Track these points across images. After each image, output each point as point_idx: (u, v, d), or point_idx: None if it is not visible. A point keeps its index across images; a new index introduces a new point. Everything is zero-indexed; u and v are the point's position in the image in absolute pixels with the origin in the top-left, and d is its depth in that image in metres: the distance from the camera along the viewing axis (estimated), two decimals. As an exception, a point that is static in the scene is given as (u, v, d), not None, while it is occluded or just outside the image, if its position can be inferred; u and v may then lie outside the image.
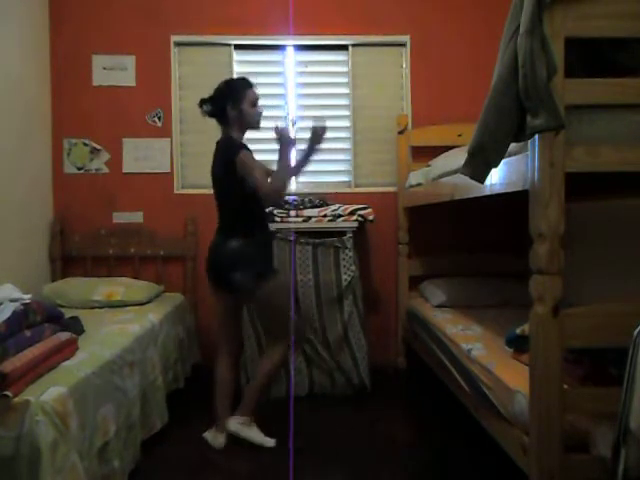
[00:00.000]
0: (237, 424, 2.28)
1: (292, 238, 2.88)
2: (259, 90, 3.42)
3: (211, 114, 2.30)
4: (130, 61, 3.33)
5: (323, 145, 2.37)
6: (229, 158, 2.16)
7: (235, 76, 3.40)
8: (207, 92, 3.36)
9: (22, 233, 2.97)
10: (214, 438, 2.31)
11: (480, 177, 1.54)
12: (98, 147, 3.34)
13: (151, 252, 3.30)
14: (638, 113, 1.42)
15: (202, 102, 2.31)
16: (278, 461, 2.14)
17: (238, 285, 2.19)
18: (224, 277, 2.22)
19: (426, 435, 2.42)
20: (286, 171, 2.21)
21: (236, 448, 2.28)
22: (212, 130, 3.38)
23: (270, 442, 2.26)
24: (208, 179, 3.37)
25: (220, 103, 2.26)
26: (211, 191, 3.32)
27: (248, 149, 2.22)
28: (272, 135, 2.24)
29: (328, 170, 3.45)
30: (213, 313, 3.29)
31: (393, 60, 3.47)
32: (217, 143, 2.31)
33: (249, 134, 2.36)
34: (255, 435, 2.28)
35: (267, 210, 2.48)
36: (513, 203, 2.13)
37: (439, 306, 2.95)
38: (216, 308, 2.42)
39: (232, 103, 2.24)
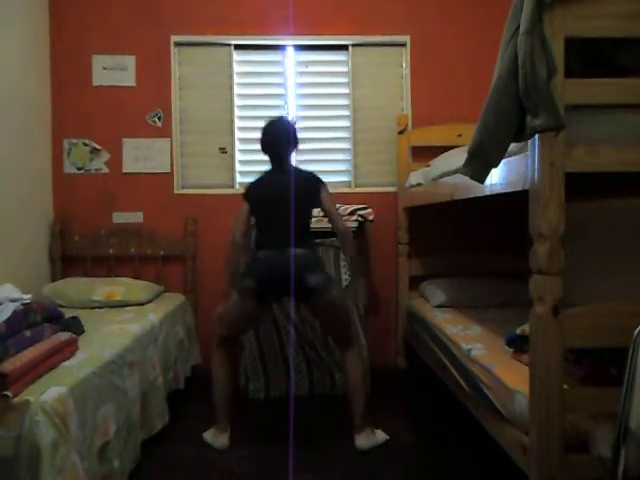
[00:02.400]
0: (366, 440, 2.26)
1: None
2: (259, 90, 3.46)
3: (274, 156, 2.41)
4: (130, 61, 3.33)
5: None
6: (316, 189, 2.35)
7: (235, 75, 3.42)
8: (207, 92, 3.40)
9: (22, 233, 2.97)
10: (215, 438, 2.31)
11: (480, 177, 1.54)
12: (98, 147, 3.34)
13: (151, 252, 3.30)
14: (638, 113, 1.42)
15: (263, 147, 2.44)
16: (278, 461, 2.14)
17: (318, 287, 2.22)
18: (301, 282, 2.21)
19: (426, 435, 2.42)
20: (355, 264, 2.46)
21: (236, 448, 2.28)
22: (212, 130, 3.41)
23: (382, 437, 2.32)
24: (208, 179, 3.43)
25: (295, 146, 2.45)
26: (211, 191, 3.38)
27: None
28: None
29: (328, 170, 3.45)
30: (213, 313, 3.33)
31: (393, 60, 3.47)
32: (289, 172, 2.38)
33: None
34: (381, 437, 2.31)
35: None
36: (513, 203, 2.13)
37: (439, 306, 2.95)
38: (238, 310, 2.33)
39: (296, 144, 2.45)
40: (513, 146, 1.50)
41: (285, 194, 2.28)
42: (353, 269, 2.50)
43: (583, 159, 1.40)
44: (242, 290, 2.28)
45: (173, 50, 3.37)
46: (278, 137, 2.39)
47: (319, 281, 2.22)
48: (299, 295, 2.27)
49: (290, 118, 2.48)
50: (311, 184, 2.37)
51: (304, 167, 2.51)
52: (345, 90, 3.47)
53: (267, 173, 2.43)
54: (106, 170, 3.35)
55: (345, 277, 2.88)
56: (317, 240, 2.86)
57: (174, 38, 3.35)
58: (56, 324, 1.89)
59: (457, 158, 2.13)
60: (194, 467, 2.14)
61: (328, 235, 2.92)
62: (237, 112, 3.44)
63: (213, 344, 2.41)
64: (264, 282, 2.25)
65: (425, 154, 3.22)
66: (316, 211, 2.99)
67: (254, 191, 2.41)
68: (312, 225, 2.92)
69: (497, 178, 1.68)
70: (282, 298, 2.51)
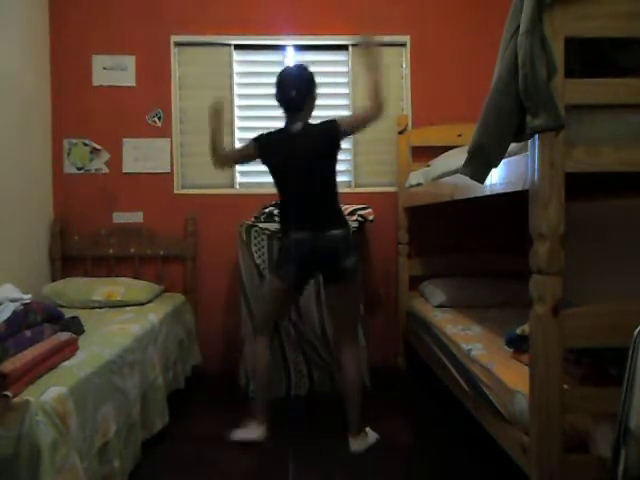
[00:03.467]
0: (362, 444, 2.26)
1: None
2: (259, 90, 3.45)
3: (300, 106, 2.26)
4: (130, 61, 3.33)
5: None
6: (332, 131, 2.18)
7: (235, 75, 3.42)
8: (207, 92, 3.40)
9: (22, 233, 2.97)
10: (254, 432, 2.29)
11: (480, 177, 1.54)
12: (98, 147, 3.34)
13: (151, 252, 3.30)
14: (638, 113, 1.42)
15: (294, 96, 2.25)
16: (278, 461, 2.14)
17: (349, 270, 2.20)
18: (335, 263, 2.19)
19: (426, 435, 2.41)
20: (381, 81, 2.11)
21: (236, 448, 2.28)
22: (212, 130, 3.41)
23: (373, 438, 2.31)
24: (208, 179, 3.43)
25: (312, 91, 2.29)
26: (211, 191, 3.38)
27: None
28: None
29: (328, 170, 3.44)
30: (214, 313, 3.34)
31: (393, 60, 3.47)
32: (303, 130, 2.24)
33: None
34: (373, 438, 2.31)
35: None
36: (513, 203, 2.13)
37: (439, 306, 2.95)
38: (272, 295, 2.35)
39: (314, 91, 2.31)
40: (513, 146, 1.50)
41: (306, 161, 2.18)
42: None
43: (583, 159, 1.40)
44: (280, 275, 2.29)
45: (173, 50, 3.37)
46: (290, 84, 2.24)
47: (352, 264, 2.20)
48: (331, 276, 2.25)
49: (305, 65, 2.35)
50: (327, 132, 2.20)
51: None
52: (345, 90, 3.47)
53: (282, 130, 2.29)
54: (106, 170, 3.35)
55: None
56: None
57: (174, 38, 3.35)
58: (56, 324, 1.89)
59: (457, 158, 2.13)
60: (194, 467, 2.14)
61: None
62: (237, 112, 3.44)
63: (251, 333, 2.46)
64: (301, 268, 2.25)
65: (425, 154, 3.22)
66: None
67: (268, 147, 2.28)
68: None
69: (497, 178, 1.68)
70: (315, 278, 2.57)
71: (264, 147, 2.30)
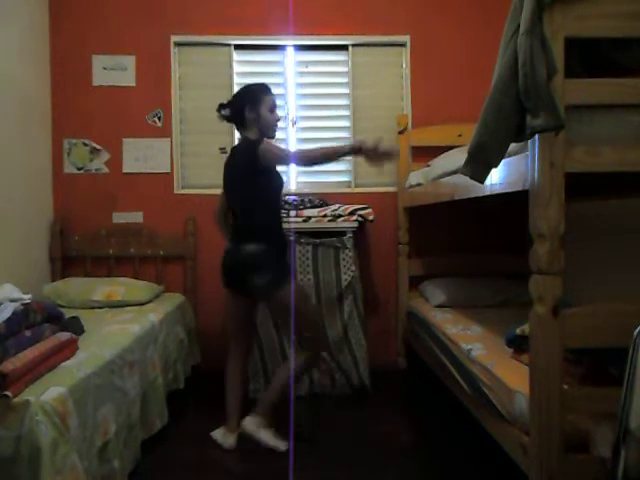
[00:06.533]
0: (253, 425, 2.27)
1: (292, 238, 2.88)
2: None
3: (229, 118, 2.34)
4: (130, 61, 3.33)
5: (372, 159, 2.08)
6: (252, 154, 2.16)
7: (235, 75, 3.42)
8: (207, 92, 3.40)
9: (22, 233, 2.97)
10: (224, 438, 2.31)
11: (480, 177, 1.54)
12: (98, 147, 3.34)
13: (151, 252, 3.30)
14: (638, 113, 1.42)
15: (220, 106, 2.34)
16: (278, 461, 2.14)
17: (255, 289, 2.20)
18: (241, 280, 2.22)
19: (426, 435, 2.41)
20: (328, 153, 2.17)
21: (237, 448, 2.28)
22: (212, 130, 3.41)
23: (282, 446, 2.23)
24: (208, 179, 3.43)
25: (239, 106, 2.29)
26: (211, 191, 3.37)
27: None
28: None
29: (328, 170, 3.44)
30: (214, 313, 3.34)
31: (393, 60, 3.47)
32: (233, 148, 2.38)
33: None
34: (268, 438, 2.26)
35: (282, 217, 2.49)
36: (513, 203, 2.13)
37: (439, 306, 2.95)
38: (229, 310, 2.42)
39: (250, 106, 2.27)
40: (513, 146, 1.50)
41: (230, 174, 2.30)
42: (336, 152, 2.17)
43: (583, 159, 1.40)
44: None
45: (173, 50, 3.37)
46: (233, 98, 2.35)
47: (260, 282, 2.17)
48: (250, 293, 2.27)
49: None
50: (247, 151, 2.21)
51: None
52: (345, 90, 3.47)
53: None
54: (106, 170, 3.35)
55: (345, 277, 2.88)
56: (317, 240, 2.87)
57: (174, 38, 3.35)
58: (56, 324, 1.89)
59: (457, 158, 2.13)
60: (194, 467, 2.14)
61: (328, 235, 2.93)
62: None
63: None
64: (226, 278, 2.31)
65: (425, 154, 3.22)
66: (316, 211, 3.02)
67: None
68: (311, 225, 2.95)
69: (497, 178, 1.68)
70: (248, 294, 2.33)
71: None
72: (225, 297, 2.44)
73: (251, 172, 2.19)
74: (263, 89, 2.33)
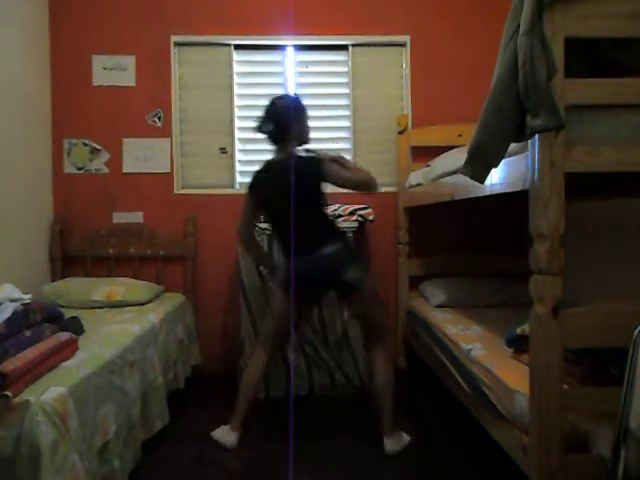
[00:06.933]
0: (397, 444, 2.22)
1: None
2: (259, 90, 3.45)
3: (270, 133, 2.30)
4: (130, 61, 3.33)
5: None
6: (318, 173, 2.21)
7: (235, 75, 3.42)
8: (207, 92, 3.40)
9: (22, 233, 2.97)
10: (226, 436, 2.29)
11: (480, 177, 1.54)
12: (98, 147, 3.34)
13: (151, 252, 3.30)
14: (638, 113, 1.42)
15: (262, 124, 2.30)
16: (278, 461, 2.14)
17: (351, 284, 2.22)
18: (338, 278, 2.21)
19: (426, 435, 2.41)
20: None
21: (236, 448, 2.27)
22: (212, 130, 3.41)
23: (407, 437, 2.30)
24: (208, 179, 3.43)
25: (285, 121, 2.27)
26: (211, 191, 3.38)
27: None
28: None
29: (328, 170, 3.44)
30: (214, 313, 3.34)
31: (393, 60, 3.47)
32: (282, 163, 2.25)
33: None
34: (406, 439, 2.27)
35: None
36: (513, 203, 2.13)
37: (439, 306, 2.95)
38: (281, 312, 2.32)
39: (301, 120, 2.31)
40: (513, 146, 1.50)
41: (291, 191, 2.18)
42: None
43: (583, 159, 1.40)
44: (285, 291, 2.27)
45: (173, 50, 3.37)
46: (282, 113, 2.27)
47: (356, 275, 2.21)
48: (339, 291, 2.30)
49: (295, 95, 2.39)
50: (311, 169, 2.22)
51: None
52: (345, 90, 3.47)
53: (270, 163, 2.33)
54: (106, 170, 3.35)
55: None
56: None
57: (174, 38, 3.35)
58: (56, 324, 1.89)
59: (457, 158, 2.13)
60: (194, 467, 2.14)
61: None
62: (237, 112, 3.44)
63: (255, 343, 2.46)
64: (300, 292, 2.24)
65: (425, 154, 3.22)
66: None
67: (259, 186, 2.32)
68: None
69: (497, 178, 1.68)
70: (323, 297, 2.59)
71: (257, 192, 2.33)
72: (275, 299, 2.37)
73: (318, 185, 2.24)
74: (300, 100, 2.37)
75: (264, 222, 2.75)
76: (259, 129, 2.31)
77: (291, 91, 3.40)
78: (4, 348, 1.54)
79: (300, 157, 2.27)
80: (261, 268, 2.82)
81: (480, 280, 3.12)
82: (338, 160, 2.26)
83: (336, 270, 2.19)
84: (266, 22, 3.35)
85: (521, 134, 1.40)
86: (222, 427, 2.34)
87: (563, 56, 1.35)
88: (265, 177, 2.32)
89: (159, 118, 3.36)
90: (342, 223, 2.94)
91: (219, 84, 3.41)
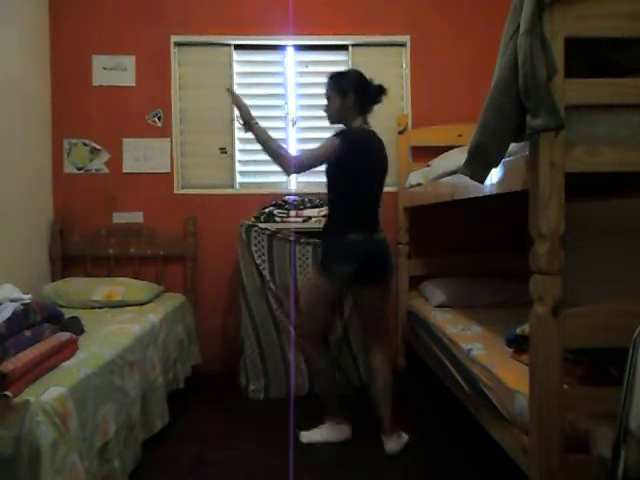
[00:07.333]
0: (396, 443, 2.24)
1: (292, 238, 2.88)
2: (259, 90, 3.45)
3: (362, 102, 2.35)
4: (130, 61, 3.33)
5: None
6: (385, 152, 2.31)
7: (235, 75, 3.42)
8: (207, 92, 3.40)
9: (22, 233, 2.97)
10: (338, 433, 2.32)
11: (480, 177, 1.54)
12: (98, 147, 3.34)
13: (151, 252, 3.30)
14: (638, 113, 1.42)
15: (345, 94, 2.33)
16: (278, 461, 2.14)
17: (390, 274, 2.27)
18: (384, 267, 2.24)
19: (426, 435, 2.42)
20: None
21: (236, 448, 2.28)
22: (212, 130, 3.41)
23: (406, 435, 2.32)
24: (208, 179, 3.43)
25: (371, 91, 2.35)
26: (211, 191, 3.38)
27: None
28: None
29: (328, 170, 3.44)
30: (214, 313, 3.34)
31: (393, 60, 3.47)
32: (371, 132, 2.32)
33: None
34: (404, 438, 2.29)
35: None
36: (513, 203, 2.13)
37: (439, 306, 2.95)
38: (326, 300, 2.26)
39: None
40: (513, 146, 1.50)
41: (379, 168, 2.28)
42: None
43: (583, 159, 1.40)
44: (337, 276, 2.16)
45: (173, 50, 3.37)
46: (365, 83, 2.35)
47: (393, 265, 2.29)
48: (380, 278, 2.27)
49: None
50: (383, 147, 2.31)
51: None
52: (345, 90, 3.46)
53: (363, 130, 2.29)
54: (106, 170, 3.35)
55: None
56: (317, 240, 2.87)
57: (174, 38, 3.35)
58: (56, 324, 1.89)
59: (457, 158, 2.13)
60: (194, 467, 2.14)
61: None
62: (237, 112, 3.43)
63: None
64: (361, 268, 2.15)
65: (425, 154, 3.22)
66: (316, 211, 3.02)
67: (362, 145, 2.22)
68: (311, 225, 2.96)
69: (497, 178, 1.68)
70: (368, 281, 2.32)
71: (353, 146, 2.18)
72: (315, 286, 2.27)
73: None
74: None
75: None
76: (343, 97, 2.30)
77: (292, 91, 3.40)
78: (4, 348, 1.54)
79: (374, 132, 2.32)
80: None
81: (480, 280, 3.12)
82: None
83: (389, 257, 2.25)
84: (266, 22, 3.35)
85: (521, 134, 1.40)
86: (321, 426, 2.35)
87: (563, 56, 1.35)
88: (366, 141, 2.26)
89: (159, 118, 3.36)
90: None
91: (219, 84, 3.40)
